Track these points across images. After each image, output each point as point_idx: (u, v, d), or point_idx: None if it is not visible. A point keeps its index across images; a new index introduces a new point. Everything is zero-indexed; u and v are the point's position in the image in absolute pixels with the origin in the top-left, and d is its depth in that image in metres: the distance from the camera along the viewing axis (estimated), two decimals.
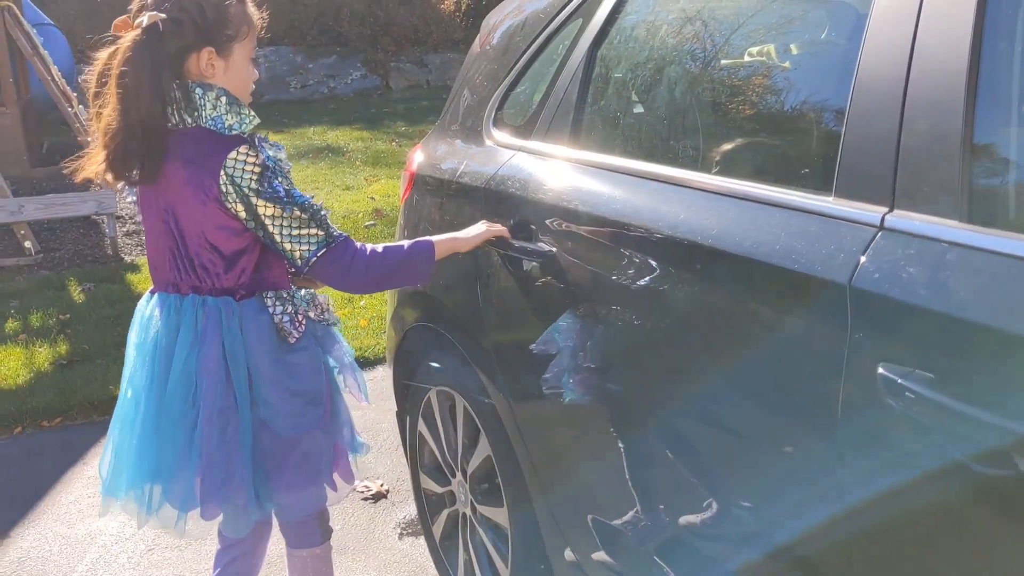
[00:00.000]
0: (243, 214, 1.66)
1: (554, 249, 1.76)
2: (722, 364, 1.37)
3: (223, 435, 1.72)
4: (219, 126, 1.67)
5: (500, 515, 2.12)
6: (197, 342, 1.71)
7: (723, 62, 1.65)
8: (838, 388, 1.12)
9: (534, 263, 1.82)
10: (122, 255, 5.94)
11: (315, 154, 8.79)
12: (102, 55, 1.67)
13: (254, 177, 1.64)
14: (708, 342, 1.40)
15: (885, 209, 1.12)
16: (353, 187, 7.54)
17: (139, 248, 6.09)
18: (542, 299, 1.82)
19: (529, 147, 1.99)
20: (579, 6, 2.02)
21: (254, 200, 1.65)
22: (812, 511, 1.20)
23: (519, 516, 2.02)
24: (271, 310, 1.76)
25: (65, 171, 1.79)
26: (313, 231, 1.69)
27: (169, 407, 1.72)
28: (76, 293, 5.20)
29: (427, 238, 1.84)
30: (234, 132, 1.67)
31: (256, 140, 1.68)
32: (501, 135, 2.15)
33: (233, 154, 1.63)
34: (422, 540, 2.71)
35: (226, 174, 1.63)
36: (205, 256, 1.71)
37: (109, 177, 1.71)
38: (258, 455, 1.78)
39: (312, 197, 1.74)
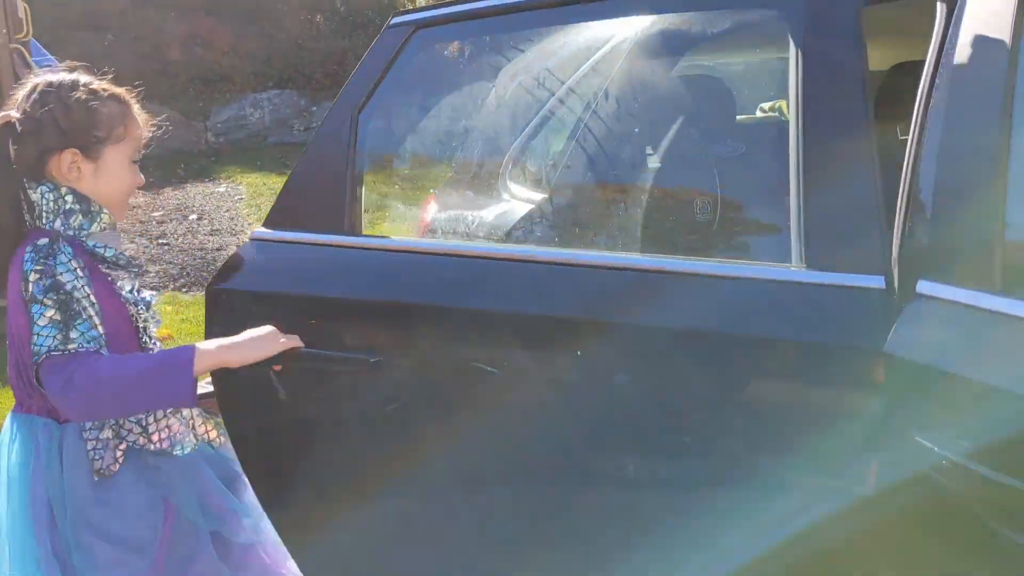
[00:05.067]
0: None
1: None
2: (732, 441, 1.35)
3: None
4: (64, 228, 1.51)
5: None
6: (27, 476, 1.49)
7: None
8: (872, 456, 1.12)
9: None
10: None
11: None
12: None
13: (34, 267, 1.43)
14: (723, 420, 1.36)
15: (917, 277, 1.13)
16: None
17: None
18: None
19: None
20: None
21: (28, 282, 1.43)
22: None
23: None
24: (86, 435, 1.50)
25: None
26: (57, 328, 1.41)
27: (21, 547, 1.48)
28: None
29: (191, 345, 1.49)
30: (72, 233, 1.51)
31: (62, 241, 1.47)
32: None
33: (30, 246, 1.45)
34: None
35: (23, 268, 1.44)
36: (28, 366, 1.46)
37: None
38: None
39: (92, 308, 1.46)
